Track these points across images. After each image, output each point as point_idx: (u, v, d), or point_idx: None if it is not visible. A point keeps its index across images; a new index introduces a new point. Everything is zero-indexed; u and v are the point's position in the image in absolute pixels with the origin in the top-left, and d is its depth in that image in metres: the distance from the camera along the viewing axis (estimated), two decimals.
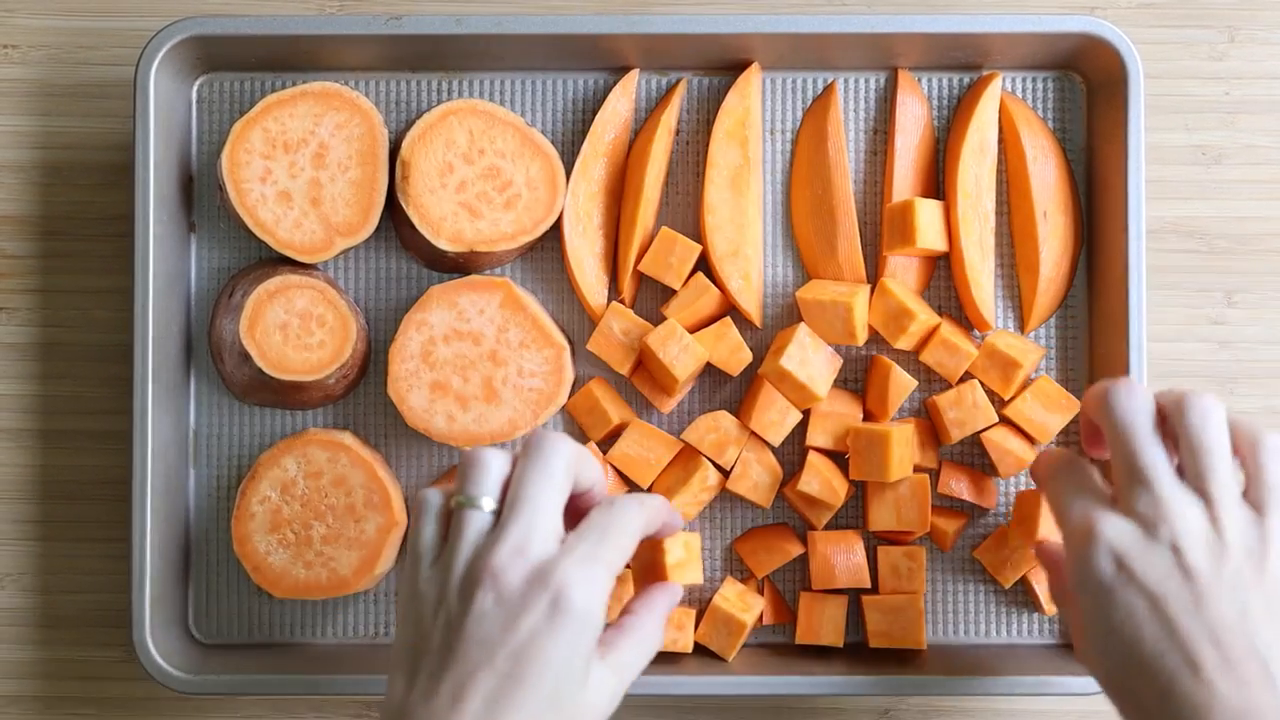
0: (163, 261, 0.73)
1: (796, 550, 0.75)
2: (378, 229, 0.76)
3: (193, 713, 0.78)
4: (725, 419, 0.74)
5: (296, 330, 0.72)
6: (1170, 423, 0.63)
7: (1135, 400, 0.63)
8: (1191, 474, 0.61)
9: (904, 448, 0.72)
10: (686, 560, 0.70)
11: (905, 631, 0.74)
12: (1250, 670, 0.57)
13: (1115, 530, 0.61)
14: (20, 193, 0.78)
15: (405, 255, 0.76)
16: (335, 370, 0.72)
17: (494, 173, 0.73)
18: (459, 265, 0.74)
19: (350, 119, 0.73)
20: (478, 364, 0.73)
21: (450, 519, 0.62)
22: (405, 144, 0.73)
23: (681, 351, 0.72)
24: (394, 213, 0.74)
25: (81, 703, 0.78)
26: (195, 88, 0.76)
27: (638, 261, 0.74)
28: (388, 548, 0.73)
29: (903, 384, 0.73)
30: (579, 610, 0.58)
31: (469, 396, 0.72)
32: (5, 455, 0.78)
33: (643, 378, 0.75)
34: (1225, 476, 0.61)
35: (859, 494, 0.76)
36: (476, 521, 0.61)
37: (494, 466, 0.62)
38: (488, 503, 0.61)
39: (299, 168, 0.73)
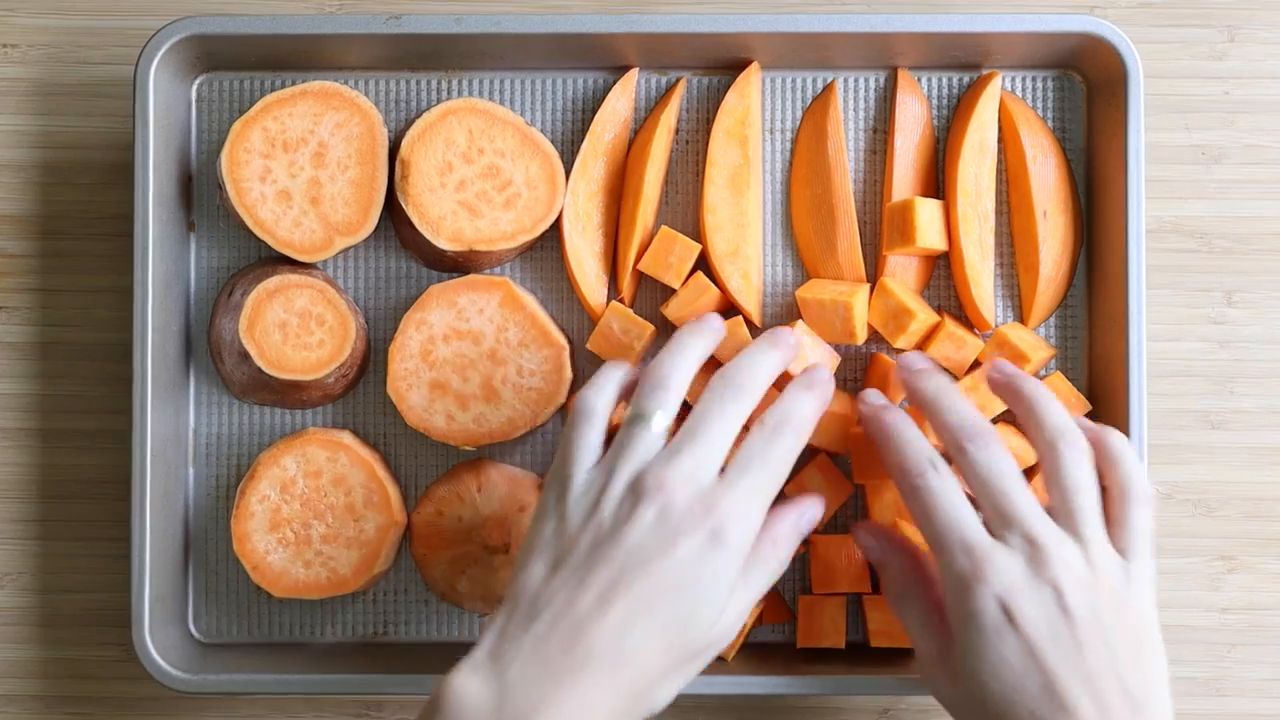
0: (162, 261, 0.73)
1: (798, 554, 0.75)
2: (377, 228, 0.76)
3: (193, 713, 0.78)
4: None
5: (296, 329, 0.72)
6: (1041, 462, 0.64)
7: (995, 449, 0.64)
8: (1063, 513, 0.63)
9: None
10: None
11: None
12: (1122, 714, 0.59)
13: (999, 573, 0.61)
14: (20, 193, 0.78)
15: (405, 255, 0.76)
16: (334, 369, 0.72)
17: (493, 172, 0.73)
18: (458, 264, 0.74)
19: (350, 118, 0.73)
20: (477, 363, 0.73)
21: (613, 430, 0.63)
22: (405, 143, 0.73)
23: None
24: (393, 212, 0.74)
25: (81, 702, 0.78)
26: (195, 87, 0.76)
27: (637, 261, 0.74)
28: (387, 547, 0.73)
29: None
30: (735, 546, 0.60)
31: (468, 396, 0.72)
32: (5, 455, 0.78)
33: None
34: (1094, 518, 0.63)
35: (859, 495, 0.76)
36: (647, 440, 0.62)
37: (675, 386, 0.64)
38: (660, 421, 0.63)
39: (298, 167, 0.73)
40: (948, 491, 0.64)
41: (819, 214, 0.75)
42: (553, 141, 0.76)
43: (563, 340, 0.73)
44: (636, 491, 0.61)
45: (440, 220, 0.73)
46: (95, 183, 0.78)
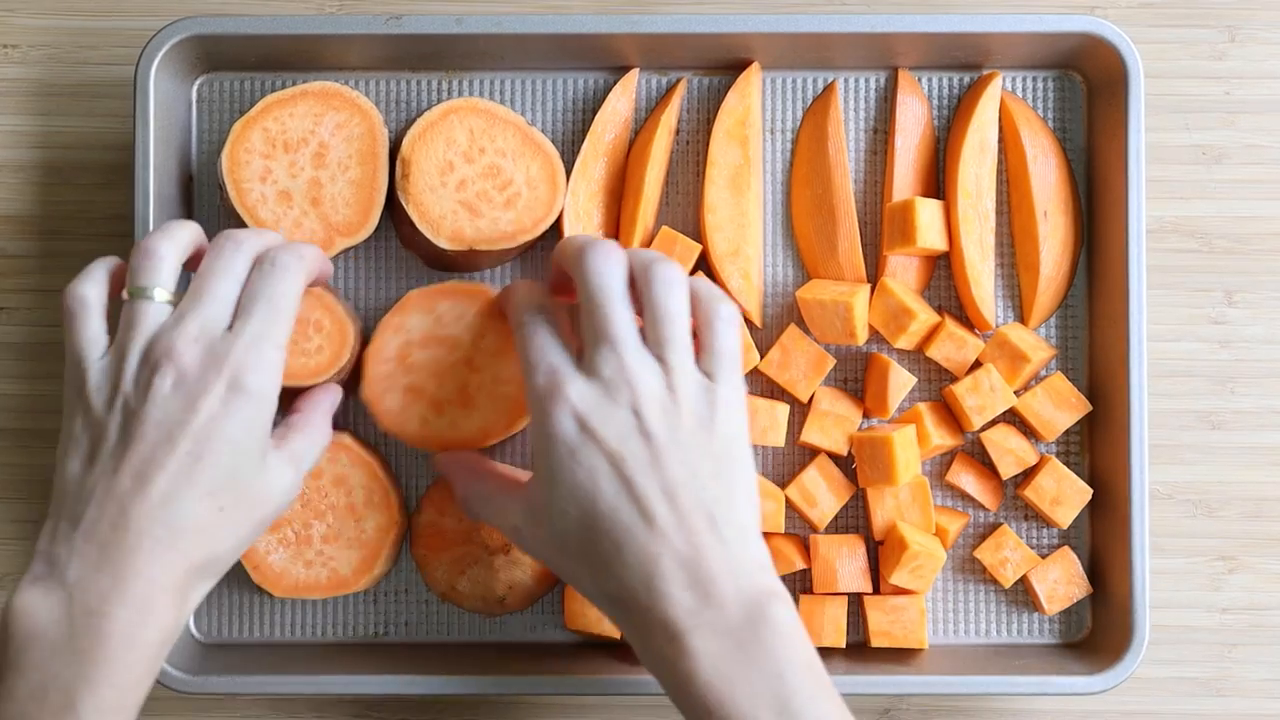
0: None
1: (800, 564, 0.74)
2: (378, 229, 0.76)
3: (193, 713, 0.78)
4: None
5: (294, 336, 0.72)
6: (637, 288, 0.64)
7: (610, 264, 0.64)
8: (653, 340, 0.63)
9: (907, 450, 0.72)
10: None
11: (907, 631, 0.74)
12: (698, 522, 0.60)
13: (579, 392, 0.62)
14: (20, 193, 0.78)
15: (405, 255, 0.76)
16: (334, 374, 0.72)
17: (494, 171, 0.73)
18: (459, 264, 0.74)
19: (350, 119, 0.73)
20: (453, 370, 0.73)
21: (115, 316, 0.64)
22: (405, 142, 0.73)
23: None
24: (394, 211, 0.74)
25: None
26: (195, 87, 0.76)
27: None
28: (388, 547, 0.73)
29: (902, 380, 0.73)
30: (255, 391, 0.62)
31: (443, 401, 0.72)
32: (5, 455, 0.78)
33: None
34: (683, 344, 0.63)
35: (859, 497, 0.76)
36: (151, 312, 0.63)
37: (165, 256, 0.64)
38: (161, 293, 0.63)
39: (299, 167, 0.73)
40: (543, 330, 0.65)
41: (819, 214, 0.75)
42: (553, 142, 0.76)
43: None
44: (150, 363, 0.62)
45: (441, 220, 0.73)
46: (95, 183, 0.78)
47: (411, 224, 0.73)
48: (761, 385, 0.76)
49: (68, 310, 0.64)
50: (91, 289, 0.64)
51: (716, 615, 0.59)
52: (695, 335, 0.65)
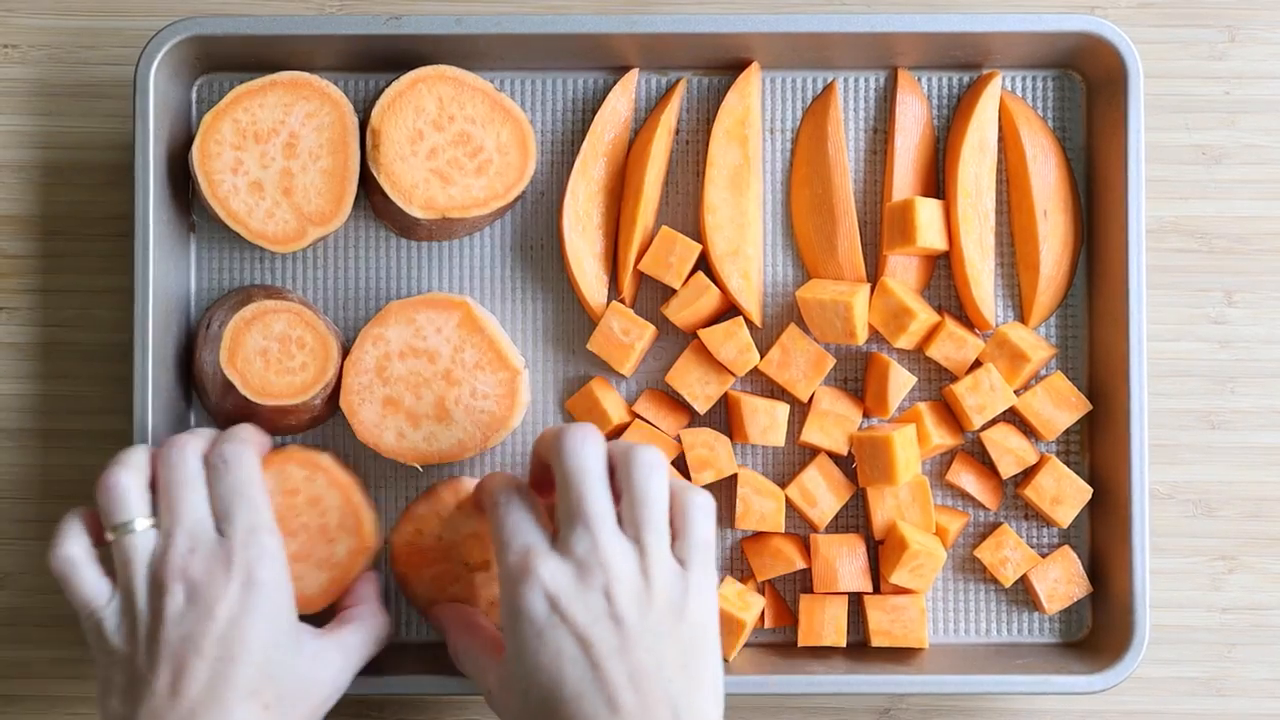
0: (163, 261, 0.73)
1: (801, 563, 0.75)
2: (351, 218, 0.75)
3: None
4: (721, 444, 0.74)
5: (277, 355, 0.72)
6: (617, 473, 0.64)
7: (588, 446, 0.64)
8: (629, 522, 0.63)
9: (908, 449, 0.72)
10: None
11: (907, 630, 0.74)
12: (662, 713, 0.60)
13: (551, 571, 0.62)
14: (20, 193, 0.78)
15: (378, 246, 0.76)
16: (320, 390, 0.72)
17: (464, 139, 0.73)
18: (433, 233, 0.74)
19: (320, 108, 0.73)
20: (431, 382, 0.72)
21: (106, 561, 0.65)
22: (375, 112, 0.72)
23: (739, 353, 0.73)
24: (366, 182, 0.74)
25: (81, 702, 0.78)
26: (195, 88, 0.76)
27: (638, 261, 0.74)
28: (358, 571, 0.72)
29: (902, 380, 0.73)
30: (269, 582, 0.63)
31: (420, 414, 0.72)
32: (5, 455, 0.78)
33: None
34: (661, 527, 0.63)
35: (859, 497, 0.76)
36: (137, 539, 0.64)
37: (129, 485, 0.65)
38: (141, 522, 0.64)
39: (270, 158, 0.73)
40: (516, 509, 0.65)
41: (819, 214, 0.75)
42: (552, 141, 0.76)
43: (519, 365, 0.73)
44: (157, 587, 0.63)
45: (413, 188, 0.72)
46: (95, 183, 0.78)
47: (384, 195, 0.73)
48: (761, 385, 0.76)
49: (59, 575, 0.65)
50: (74, 547, 0.65)
51: None
52: (670, 523, 0.64)
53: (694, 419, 0.76)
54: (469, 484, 0.74)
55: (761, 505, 0.74)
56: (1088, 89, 0.77)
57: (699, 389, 0.74)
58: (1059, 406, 0.74)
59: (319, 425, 0.76)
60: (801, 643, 0.75)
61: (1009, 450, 0.74)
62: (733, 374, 0.74)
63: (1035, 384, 0.75)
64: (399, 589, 0.75)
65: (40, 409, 0.78)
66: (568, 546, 0.62)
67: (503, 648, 0.65)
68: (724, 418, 0.76)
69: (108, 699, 0.63)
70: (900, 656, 0.74)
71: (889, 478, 0.72)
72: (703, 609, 0.63)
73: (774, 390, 0.76)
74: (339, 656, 0.66)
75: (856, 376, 0.76)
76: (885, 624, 0.74)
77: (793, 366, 0.74)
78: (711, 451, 0.74)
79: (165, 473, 0.66)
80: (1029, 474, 0.75)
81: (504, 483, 0.67)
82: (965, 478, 0.75)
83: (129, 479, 0.65)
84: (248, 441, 0.67)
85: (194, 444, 0.67)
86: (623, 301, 0.75)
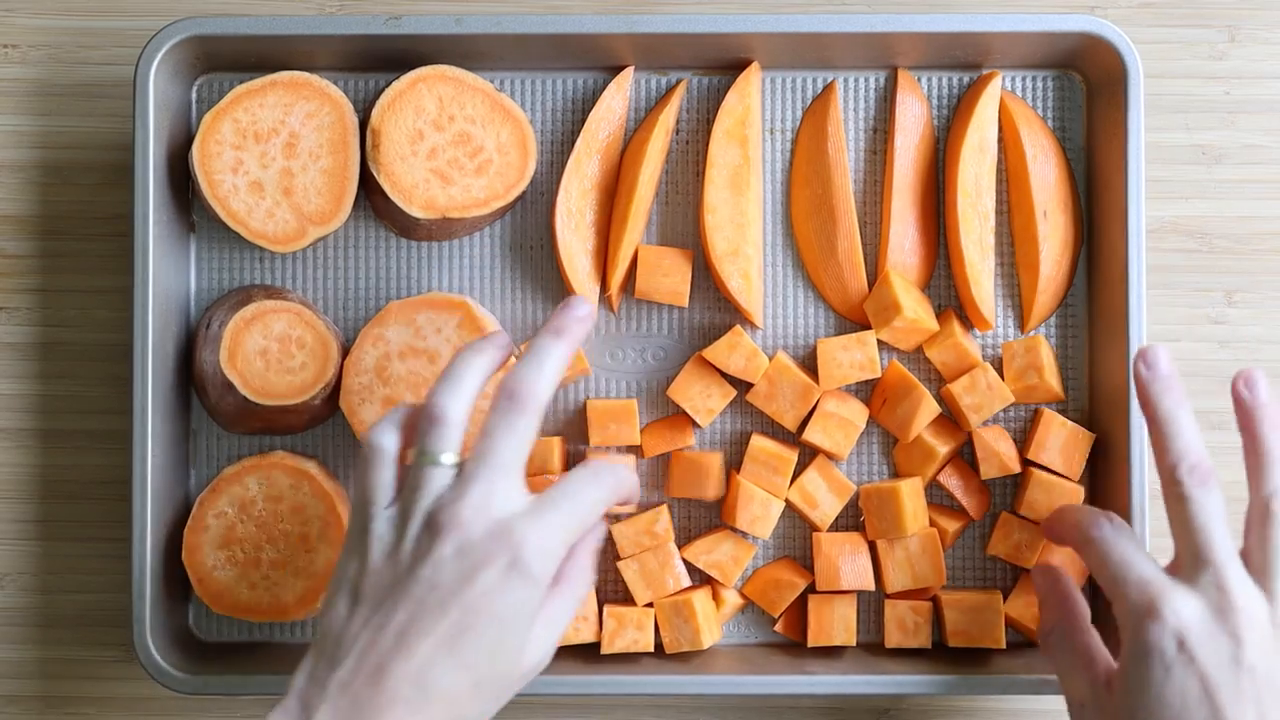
0: (163, 261, 0.73)
1: (804, 581, 0.74)
2: (351, 218, 0.75)
3: (193, 713, 0.78)
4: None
5: (277, 355, 0.72)
6: (1250, 530, 0.64)
7: (1213, 496, 0.63)
8: (1257, 568, 0.63)
9: (915, 500, 0.72)
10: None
11: (984, 630, 0.73)
12: None
13: (1182, 607, 0.62)
14: (20, 193, 0.78)
15: (378, 246, 0.76)
16: (320, 390, 0.72)
17: (464, 139, 0.73)
18: (432, 233, 0.74)
19: (320, 108, 0.73)
20: (431, 382, 0.72)
21: (405, 468, 0.63)
22: (375, 112, 0.72)
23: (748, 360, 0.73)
24: (366, 183, 0.74)
25: (81, 702, 0.78)
26: (195, 88, 0.76)
27: (630, 262, 0.74)
28: None
29: (929, 410, 0.73)
30: (535, 573, 0.60)
31: None
32: (5, 455, 0.78)
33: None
34: None
35: (859, 497, 0.76)
36: (438, 476, 0.62)
37: (454, 421, 0.62)
38: (449, 458, 0.62)
39: (270, 158, 0.73)
40: (1121, 539, 0.65)
41: (819, 214, 0.75)
42: (552, 141, 0.76)
43: None
44: (433, 528, 0.60)
45: (413, 189, 0.73)
46: (95, 183, 0.78)
47: (384, 195, 0.73)
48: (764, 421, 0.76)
49: (364, 454, 0.63)
50: (388, 439, 0.63)
51: None
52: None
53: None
54: None
55: (759, 510, 0.74)
56: (1088, 89, 0.77)
57: (700, 403, 0.74)
58: (1068, 451, 0.74)
59: (318, 425, 0.76)
60: (811, 643, 0.74)
61: (996, 453, 0.74)
62: (747, 381, 0.74)
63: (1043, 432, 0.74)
64: None
65: (40, 409, 0.78)
66: (1196, 584, 0.62)
67: (1099, 664, 0.66)
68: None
69: (337, 597, 0.61)
70: (900, 657, 0.74)
71: (898, 528, 0.72)
72: None
73: (762, 420, 0.76)
74: (549, 636, 0.63)
75: (866, 383, 0.76)
76: (963, 624, 0.74)
77: (779, 398, 0.74)
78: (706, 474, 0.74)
79: (503, 407, 0.62)
80: (1018, 491, 0.75)
81: (1098, 517, 0.67)
82: (953, 481, 0.75)
83: (456, 412, 0.63)
84: (621, 483, 0.65)
85: (546, 378, 0.63)
86: (610, 298, 0.75)
